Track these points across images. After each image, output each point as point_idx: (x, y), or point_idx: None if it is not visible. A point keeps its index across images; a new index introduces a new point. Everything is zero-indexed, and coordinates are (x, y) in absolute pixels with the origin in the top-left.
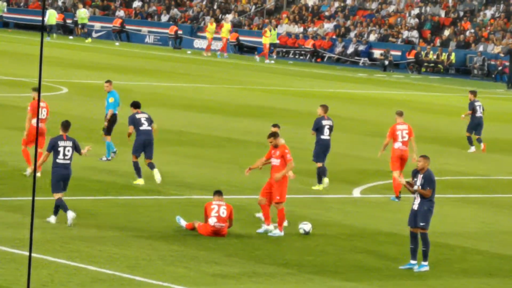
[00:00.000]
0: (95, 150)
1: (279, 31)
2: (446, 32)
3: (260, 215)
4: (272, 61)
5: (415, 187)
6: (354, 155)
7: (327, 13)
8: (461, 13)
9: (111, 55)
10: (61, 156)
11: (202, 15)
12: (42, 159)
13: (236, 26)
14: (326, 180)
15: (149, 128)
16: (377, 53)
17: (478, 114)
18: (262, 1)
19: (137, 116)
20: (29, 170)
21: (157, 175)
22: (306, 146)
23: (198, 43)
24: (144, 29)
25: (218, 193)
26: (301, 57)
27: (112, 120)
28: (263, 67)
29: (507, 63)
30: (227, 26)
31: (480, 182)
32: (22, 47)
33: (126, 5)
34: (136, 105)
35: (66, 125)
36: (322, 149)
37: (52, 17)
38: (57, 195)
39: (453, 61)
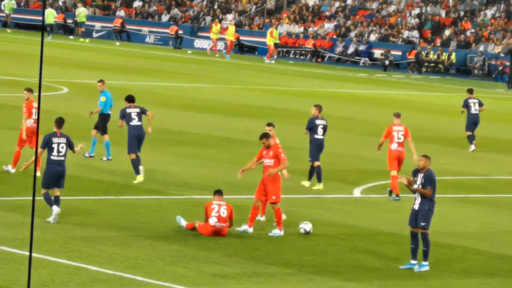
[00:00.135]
0: (96, 150)
1: (280, 31)
2: (447, 32)
3: (261, 218)
4: (273, 61)
5: (415, 186)
6: (354, 155)
7: (327, 13)
8: (462, 13)
9: (112, 55)
10: (55, 152)
11: (202, 15)
12: (32, 160)
13: (237, 26)
14: (307, 183)
15: (139, 123)
16: (377, 53)
17: (473, 111)
18: (262, 1)
19: (128, 110)
20: (10, 169)
21: (141, 172)
22: (306, 147)
23: (199, 43)
24: (145, 29)
25: (218, 193)
26: (302, 57)
27: (105, 119)
28: (263, 67)
29: (507, 63)
30: (231, 28)
31: (480, 182)
32: (22, 47)
33: (127, 5)
34: (129, 99)
35: (60, 122)
36: (316, 149)
37: (50, 16)
38: (43, 190)
39: (454, 61)
